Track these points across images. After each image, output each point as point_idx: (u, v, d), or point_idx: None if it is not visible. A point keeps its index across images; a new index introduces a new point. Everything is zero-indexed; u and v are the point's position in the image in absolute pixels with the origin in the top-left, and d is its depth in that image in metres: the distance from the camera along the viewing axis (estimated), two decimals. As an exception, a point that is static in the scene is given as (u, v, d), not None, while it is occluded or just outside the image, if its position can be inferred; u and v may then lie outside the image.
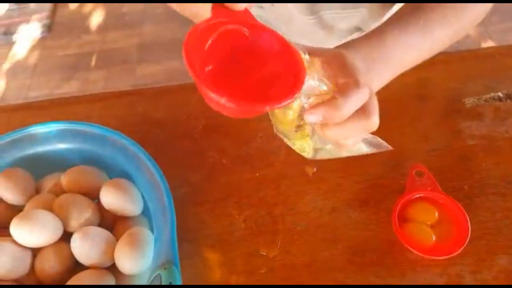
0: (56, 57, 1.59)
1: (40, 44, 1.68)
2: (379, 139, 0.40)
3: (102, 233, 0.44)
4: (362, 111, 0.36)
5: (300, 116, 0.36)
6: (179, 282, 0.38)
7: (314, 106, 0.35)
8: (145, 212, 0.48)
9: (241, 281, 0.47)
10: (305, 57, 0.35)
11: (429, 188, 0.48)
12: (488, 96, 0.56)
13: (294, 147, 0.40)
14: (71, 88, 1.48)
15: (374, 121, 0.37)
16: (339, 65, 0.36)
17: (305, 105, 0.35)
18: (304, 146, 0.40)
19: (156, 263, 0.40)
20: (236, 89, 0.33)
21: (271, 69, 0.34)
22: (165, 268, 0.38)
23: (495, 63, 0.59)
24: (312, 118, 0.35)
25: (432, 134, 0.54)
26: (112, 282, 0.43)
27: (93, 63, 1.55)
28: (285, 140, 0.40)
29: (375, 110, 0.37)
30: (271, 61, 0.35)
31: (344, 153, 0.40)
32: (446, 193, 0.48)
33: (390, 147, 0.41)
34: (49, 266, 0.43)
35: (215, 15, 0.34)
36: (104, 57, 1.56)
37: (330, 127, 0.36)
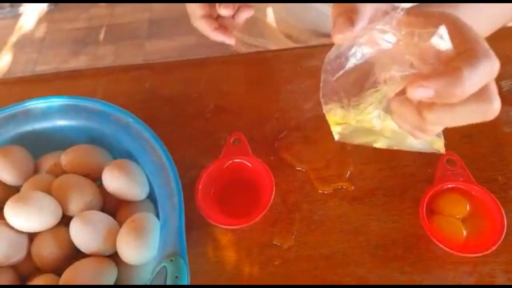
0: (64, 31, 1.55)
1: (48, 17, 1.63)
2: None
3: (103, 219, 0.41)
4: (483, 91, 0.27)
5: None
6: (186, 275, 0.34)
7: (425, 77, 0.26)
8: (152, 196, 0.44)
9: (254, 273, 0.43)
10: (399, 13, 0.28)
11: (461, 179, 0.44)
12: (527, 79, 0.51)
13: (333, 117, 0.33)
14: (79, 63, 1.44)
15: (496, 107, 0.27)
16: (455, 28, 0.27)
17: (399, 74, 0.27)
18: (349, 119, 0.32)
19: (161, 253, 0.37)
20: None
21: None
22: (171, 260, 0.35)
23: (536, 43, 0.54)
24: (419, 92, 0.26)
25: (464, 119, 0.50)
26: (114, 272, 0.40)
27: (101, 37, 1.51)
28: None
29: (496, 92, 0.28)
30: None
31: (395, 145, 0.33)
32: (478, 183, 0.43)
33: (443, 150, 0.33)
34: (47, 252, 0.40)
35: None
36: (113, 32, 1.51)
37: (437, 108, 0.27)
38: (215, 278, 0.44)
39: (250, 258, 0.44)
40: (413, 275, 0.42)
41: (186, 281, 0.34)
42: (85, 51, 1.48)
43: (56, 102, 0.46)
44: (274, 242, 0.45)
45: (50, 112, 0.46)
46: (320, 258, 0.43)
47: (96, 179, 0.45)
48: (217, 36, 0.47)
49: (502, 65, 0.52)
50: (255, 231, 0.45)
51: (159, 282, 0.34)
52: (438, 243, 0.41)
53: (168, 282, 0.34)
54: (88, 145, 0.46)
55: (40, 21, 1.63)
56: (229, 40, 0.48)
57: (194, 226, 0.46)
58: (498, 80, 0.51)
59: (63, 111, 0.46)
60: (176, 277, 0.34)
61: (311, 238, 0.44)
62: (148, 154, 0.42)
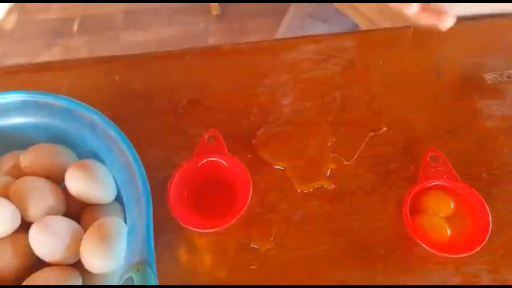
0: (36, 22, 1.48)
1: (19, 7, 1.55)
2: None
3: (66, 224, 0.38)
4: None
5: None
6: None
7: None
8: (121, 199, 0.41)
9: (230, 278, 0.41)
10: None
11: (445, 176, 0.42)
12: (511, 71, 0.49)
13: None
14: (53, 55, 1.39)
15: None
16: None
17: None
18: None
19: (128, 262, 0.34)
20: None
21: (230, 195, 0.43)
22: (138, 270, 0.32)
23: (520, 34, 0.53)
24: None
25: (447, 113, 0.48)
26: (78, 281, 0.37)
27: (75, 29, 1.45)
28: None
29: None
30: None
31: None
32: (463, 181, 0.42)
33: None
34: (5, 262, 0.37)
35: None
36: (87, 23, 1.45)
37: None
38: (188, 284, 0.41)
39: (225, 262, 0.42)
40: (396, 277, 0.40)
41: (154, 292, 0.32)
42: (59, 43, 1.42)
43: (14, 98, 0.42)
44: (251, 245, 0.42)
45: (8, 109, 0.43)
46: (299, 261, 0.41)
47: (59, 181, 0.41)
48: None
49: (485, 57, 0.52)
50: (231, 233, 0.43)
51: (125, 293, 0.32)
52: (422, 243, 0.39)
53: (135, 294, 0.31)
54: (50, 144, 0.43)
55: (10, 12, 1.55)
56: None
57: (167, 229, 0.43)
58: (481, 72, 0.50)
59: (22, 108, 0.43)
60: (143, 288, 0.32)
61: (290, 240, 0.42)
62: (114, 154, 0.39)
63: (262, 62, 0.53)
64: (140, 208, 0.36)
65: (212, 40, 1.26)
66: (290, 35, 0.81)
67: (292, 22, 0.82)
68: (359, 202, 0.44)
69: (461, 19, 0.51)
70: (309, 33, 0.75)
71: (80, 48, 1.39)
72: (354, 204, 0.44)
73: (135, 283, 0.32)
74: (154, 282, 0.32)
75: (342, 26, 0.76)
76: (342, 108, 0.49)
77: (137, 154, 0.38)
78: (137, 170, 0.37)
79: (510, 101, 0.48)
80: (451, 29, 0.51)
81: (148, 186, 0.37)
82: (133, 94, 0.52)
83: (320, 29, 0.78)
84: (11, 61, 1.40)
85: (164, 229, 0.44)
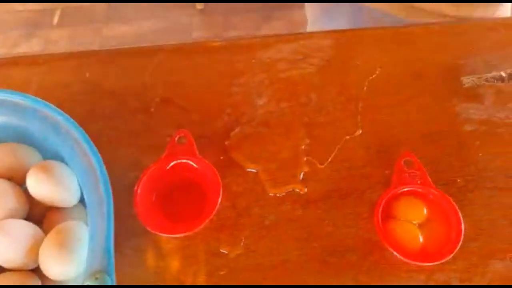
0: (15, 12, 1.44)
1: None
2: None
3: (27, 228, 0.36)
4: None
5: None
6: (112, 296, 0.31)
7: None
8: (85, 202, 0.40)
9: (198, 283, 0.40)
10: None
11: (418, 181, 0.42)
12: (489, 75, 0.48)
13: None
14: (32, 47, 1.35)
15: None
16: None
17: None
18: None
19: (87, 269, 0.32)
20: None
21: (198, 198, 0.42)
22: (96, 278, 0.31)
23: (499, 38, 0.52)
24: None
25: (425, 117, 0.47)
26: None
27: (56, 20, 1.41)
28: None
29: None
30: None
31: None
32: (436, 186, 0.41)
33: None
34: (-39, 267, 0.35)
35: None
36: (69, 15, 1.42)
37: None
38: (155, 290, 0.40)
39: (194, 268, 0.41)
40: (368, 284, 0.39)
41: (112, 303, 0.30)
42: (38, 34, 1.38)
43: (-27, 95, 0.40)
44: (221, 250, 0.41)
45: (-33, 107, 0.41)
46: (269, 267, 0.40)
47: (21, 182, 0.40)
48: None
49: (464, 59, 0.51)
50: (200, 238, 0.42)
51: (82, 303, 0.31)
52: (393, 251, 0.38)
53: (92, 304, 0.30)
54: (13, 143, 0.41)
55: (-13, 1, 1.51)
56: None
57: (134, 232, 0.42)
58: (459, 75, 0.49)
59: (-17, 105, 0.41)
60: (101, 298, 0.30)
61: (261, 246, 0.41)
62: (78, 155, 0.37)
63: (238, 60, 0.51)
64: (102, 213, 0.34)
65: (196, 35, 1.24)
66: (318, 24, 0.78)
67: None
68: (332, 207, 0.43)
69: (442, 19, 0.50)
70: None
71: (61, 40, 1.36)
72: (327, 209, 0.43)
73: (92, 293, 0.31)
74: (112, 291, 0.31)
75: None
76: (317, 110, 0.48)
77: (100, 157, 0.37)
78: (100, 174, 0.36)
79: (488, 105, 0.48)
80: (432, 28, 0.50)
81: (110, 192, 0.35)
82: (104, 92, 0.50)
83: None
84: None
85: (132, 232, 0.42)
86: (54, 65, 0.53)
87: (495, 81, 0.48)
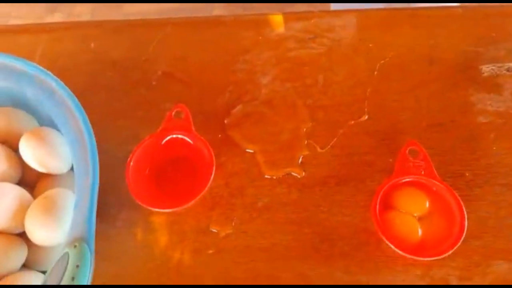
0: (41, -15, 1.46)
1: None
2: None
3: (15, 192, 0.36)
4: None
5: None
6: (88, 264, 0.30)
7: None
8: (77, 170, 0.39)
9: (184, 260, 0.39)
10: None
11: (422, 172, 0.39)
12: (511, 64, 0.45)
13: None
14: (54, 20, 1.36)
15: None
16: None
17: None
18: None
19: (69, 236, 0.32)
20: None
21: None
22: (75, 246, 0.31)
23: (526, 25, 0.48)
24: None
25: (436, 105, 0.44)
26: (23, 252, 0.36)
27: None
28: None
29: None
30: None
31: None
32: (442, 179, 0.39)
33: None
34: None
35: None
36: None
37: None
38: (142, 263, 0.40)
39: (182, 244, 0.40)
40: (359, 276, 0.38)
41: (87, 271, 0.30)
42: (61, 8, 1.39)
43: (-28, 57, 0.40)
44: (211, 229, 0.40)
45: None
46: (258, 249, 0.39)
47: (15, 148, 0.40)
48: None
49: (483, 46, 0.47)
50: (191, 215, 0.41)
51: (59, 270, 0.30)
52: (389, 244, 0.36)
53: (68, 271, 0.30)
54: (9, 108, 0.41)
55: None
56: None
57: (127, 205, 0.42)
58: (479, 63, 0.46)
59: (-18, 68, 0.41)
60: (77, 266, 0.30)
61: (252, 227, 0.40)
62: (69, 124, 0.37)
63: (245, 37, 0.49)
64: (87, 183, 0.34)
65: (216, 13, 1.22)
66: None
67: None
68: (329, 193, 0.41)
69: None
70: None
71: (83, 14, 1.36)
72: (323, 195, 0.41)
73: (69, 260, 0.30)
74: (89, 259, 0.30)
75: None
76: (323, 92, 0.46)
77: (91, 127, 0.36)
78: (89, 144, 0.35)
79: (507, 96, 0.45)
80: (452, 10, 0.47)
81: (97, 162, 0.35)
82: (107, 63, 0.50)
83: None
84: (14, 23, 1.39)
85: (125, 205, 0.42)
86: (60, 34, 0.53)
87: (517, 71, 0.45)
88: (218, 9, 1.20)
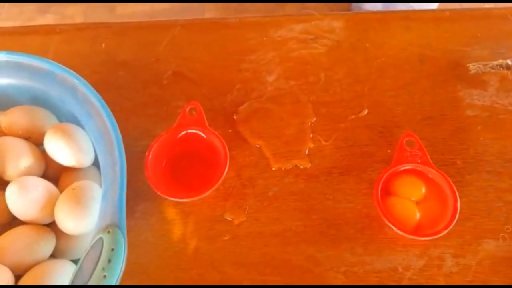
0: (31, -14, 1.46)
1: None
2: None
3: (43, 185, 0.38)
4: None
5: None
6: (122, 247, 0.33)
7: None
8: (98, 165, 0.42)
9: (201, 247, 0.42)
10: None
11: (419, 161, 0.43)
12: (495, 63, 0.50)
13: None
14: (46, 21, 1.36)
15: None
16: None
17: None
18: None
19: (99, 224, 0.34)
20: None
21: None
22: (108, 232, 0.33)
23: (508, 26, 0.53)
24: None
25: (428, 100, 0.48)
26: (51, 241, 0.38)
27: (71, -4, 1.43)
28: None
29: None
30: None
31: None
32: (437, 167, 0.43)
33: None
34: (-20, 218, 0.37)
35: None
36: (84, -10, 1.43)
37: None
38: (161, 252, 0.42)
39: (198, 232, 0.43)
40: (364, 256, 0.41)
41: (122, 254, 0.32)
42: (53, 10, 1.40)
43: (-3, 58, 0.42)
44: (225, 217, 0.43)
45: (-10, 69, 0.43)
46: (270, 235, 0.42)
47: (39, 143, 0.42)
48: None
49: (470, 46, 0.52)
50: (206, 205, 0.44)
51: (95, 254, 0.33)
52: (391, 225, 0.40)
53: (103, 255, 0.32)
54: (31, 106, 0.43)
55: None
56: None
57: (143, 197, 0.44)
58: (466, 61, 0.50)
59: (5, 69, 0.43)
60: (112, 249, 0.32)
61: (263, 215, 0.43)
62: (93, 119, 0.39)
63: (250, 38, 0.52)
64: (115, 173, 0.36)
65: (208, 16, 1.25)
66: None
67: None
68: (333, 182, 0.44)
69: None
70: None
71: (75, 15, 1.37)
72: (328, 184, 0.44)
73: (104, 245, 0.33)
74: (123, 243, 0.33)
75: None
76: (325, 89, 0.49)
77: (115, 121, 0.38)
78: (114, 137, 0.37)
79: (492, 91, 0.49)
80: (442, 14, 0.51)
81: (124, 153, 0.37)
82: (118, 63, 0.52)
83: None
84: (3, 25, 1.38)
85: (141, 197, 0.44)
86: (71, 34, 0.55)
87: (501, 68, 0.49)
88: (209, 12, 1.22)
